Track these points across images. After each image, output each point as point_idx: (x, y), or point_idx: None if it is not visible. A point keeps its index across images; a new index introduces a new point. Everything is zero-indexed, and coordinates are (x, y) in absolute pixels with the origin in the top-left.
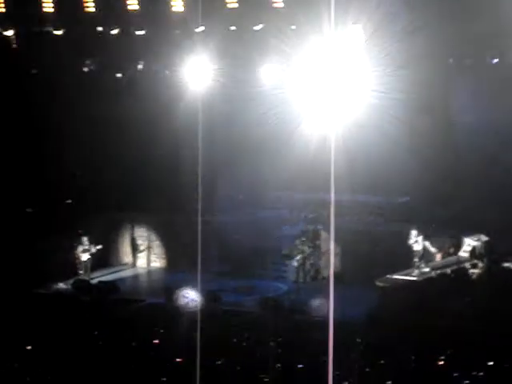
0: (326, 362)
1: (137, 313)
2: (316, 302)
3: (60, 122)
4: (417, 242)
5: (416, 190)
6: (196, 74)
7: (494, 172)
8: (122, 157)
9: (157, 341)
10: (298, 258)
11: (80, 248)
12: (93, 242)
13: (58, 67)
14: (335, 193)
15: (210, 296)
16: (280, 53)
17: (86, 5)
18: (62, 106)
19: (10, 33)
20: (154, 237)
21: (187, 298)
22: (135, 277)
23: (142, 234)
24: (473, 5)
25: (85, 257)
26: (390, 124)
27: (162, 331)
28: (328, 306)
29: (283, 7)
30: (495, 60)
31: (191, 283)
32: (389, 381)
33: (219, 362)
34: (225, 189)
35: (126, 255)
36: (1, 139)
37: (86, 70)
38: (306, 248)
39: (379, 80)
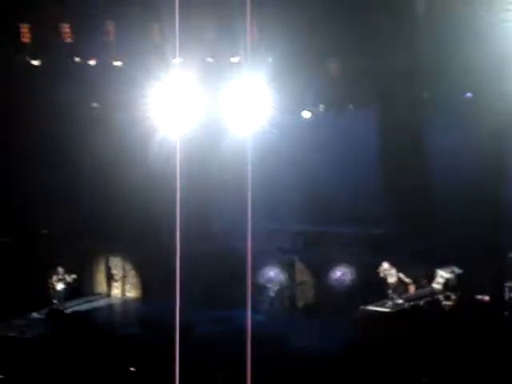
0: None
1: (110, 342)
2: (291, 333)
3: (34, 149)
4: (390, 273)
5: (391, 221)
6: (172, 105)
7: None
8: (96, 186)
9: (132, 369)
10: (273, 288)
11: (55, 277)
12: (67, 271)
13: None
14: (312, 224)
15: (183, 327)
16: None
17: (63, 35)
18: (37, 134)
19: None
20: (128, 266)
21: (160, 328)
22: (109, 306)
23: (117, 264)
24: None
25: (59, 286)
26: (365, 158)
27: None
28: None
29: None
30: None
31: (165, 313)
32: None
33: None
34: (200, 219)
35: (101, 285)
36: None
37: (62, 99)
38: (280, 279)
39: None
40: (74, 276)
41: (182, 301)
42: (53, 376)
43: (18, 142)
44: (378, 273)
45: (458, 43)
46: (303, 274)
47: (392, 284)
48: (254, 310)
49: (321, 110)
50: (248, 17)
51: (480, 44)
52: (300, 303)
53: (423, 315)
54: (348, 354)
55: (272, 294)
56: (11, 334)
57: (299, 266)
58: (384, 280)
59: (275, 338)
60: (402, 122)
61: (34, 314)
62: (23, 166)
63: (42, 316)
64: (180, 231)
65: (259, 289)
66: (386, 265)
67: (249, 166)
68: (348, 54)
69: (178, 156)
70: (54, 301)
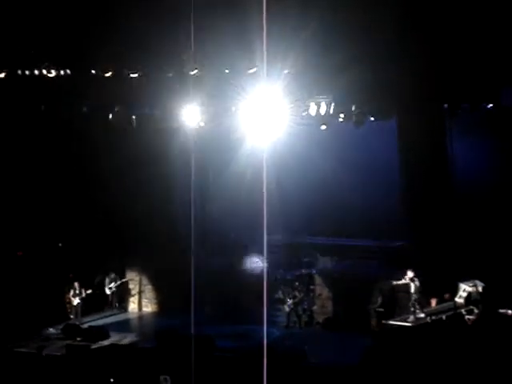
0: None
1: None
2: (307, 348)
3: (51, 161)
4: (415, 283)
5: (411, 234)
6: (188, 117)
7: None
8: (111, 199)
9: None
10: (290, 302)
11: (71, 292)
12: (83, 286)
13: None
14: (330, 236)
15: (202, 341)
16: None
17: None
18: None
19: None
20: (145, 281)
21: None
22: (126, 321)
23: (134, 278)
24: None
25: (76, 301)
26: (384, 169)
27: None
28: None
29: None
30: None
31: (183, 328)
32: None
33: None
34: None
35: (118, 300)
36: None
37: (78, 112)
38: (297, 293)
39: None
40: (89, 291)
41: (200, 315)
42: None
43: (33, 151)
44: (398, 286)
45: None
46: (321, 288)
47: (414, 295)
48: (271, 325)
49: (339, 120)
50: (265, 28)
51: None
52: (318, 317)
53: (445, 330)
54: (368, 369)
55: (287, 308)
56: (28, 351)
57: (317, 279)
58: (406, 290)
59: (293, 353)
60: (423, 132)
61: (51, 330)
62: (39, 178)
63: (59, 331)
64: (196, 245)
65: (276, 303)
66: (410, 273)
67: (264, 177)
68: (366, 63)
69: (193, 169)
70: (71, 316)
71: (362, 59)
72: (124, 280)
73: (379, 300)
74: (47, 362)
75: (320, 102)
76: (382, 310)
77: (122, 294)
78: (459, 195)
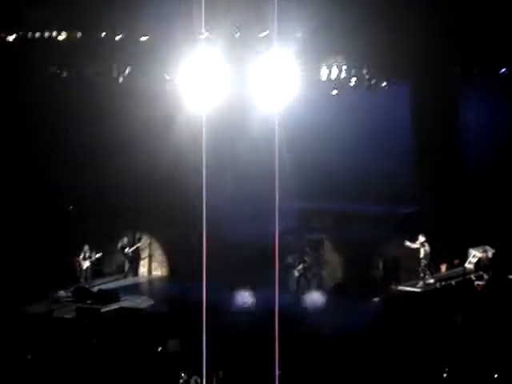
0: None
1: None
2: (316, 314)
3: (63, 124)
4: (425, 248)
5: (422, 200)
6: (199, 80)
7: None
8: (121, 160)
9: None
10: (300, 267)
11: (81, 255)
12: (93, 249)
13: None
14: (339, 203)
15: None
16: None
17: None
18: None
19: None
20: (155, 245)
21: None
22: (136, 285)
23: (144, 242)
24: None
25: (85, 264)
26: (396, 135)
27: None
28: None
29: None
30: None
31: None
32: None
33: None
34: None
35: (127, 263)
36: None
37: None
38: (307, 258)
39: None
40: (99, 254)
41: (211, 280)
42: (80, 355)
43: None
44: (408, 252)
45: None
46: (331, 253)
47: (424, 260)
48: (281, 290)
49: (351, 85)
50: None
51: None
52: (327, 282)
53: (454, 295)
54: (377, 335)
55: (297, 273)
56: (39, 313)
57: (327, 244)
58: (416, 256)
59: (301, 317)
60: (436, 96)
61: (61, 292)
62: (52, 141)
63: (69, 294)
64: (209, 212)
65: (287, 268)
66: (422, 237)
67: (276, 143)
68: (380, 26)
69: (204, 135)
70: (81, 279)
71: (375, 21)
72: (139, 245)
73: (380, 264)
74: (57, 324)
75: (332, 66)
76: (382, 274)
77: (134, 257)
78: (472, 160)
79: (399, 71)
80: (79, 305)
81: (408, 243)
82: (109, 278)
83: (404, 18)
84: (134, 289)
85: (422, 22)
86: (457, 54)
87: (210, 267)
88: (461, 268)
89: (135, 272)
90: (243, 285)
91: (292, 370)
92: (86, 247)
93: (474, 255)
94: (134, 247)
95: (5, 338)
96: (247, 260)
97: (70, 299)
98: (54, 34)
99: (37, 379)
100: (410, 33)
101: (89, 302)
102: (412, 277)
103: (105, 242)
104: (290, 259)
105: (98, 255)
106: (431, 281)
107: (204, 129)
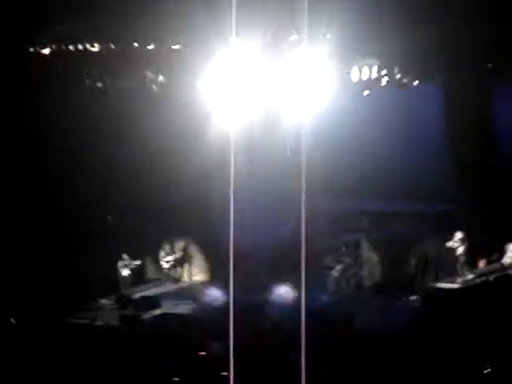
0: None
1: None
2: (357, 314)
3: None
4: (463, 245)
5: (458, 197)
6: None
7: None
8: (160, 170)
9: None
10: (338, 268)
11: (120, 263)
12: (132, 257)
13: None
14: (378, 201)
15: (252, 309)
16: None
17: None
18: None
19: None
20: (195, 250)
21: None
22: (177, 291)
23: (184, 248)
24: None
25: (125, 272)
26: (430, 132)
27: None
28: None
29: None
30: None
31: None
32: None
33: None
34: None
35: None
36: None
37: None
38: (346, 258)
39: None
40: (138, 262)
41: (249, 282)
42: (124, 362)
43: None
44: (446, 250)
45: None
46: (369, 253)
47: (462, 257)
48: (320, 291)
49: (383, 84)
50: None
51: None
52: (366, 282)
53: (493, 291)
54: (417, 334)
55: (336, 274)
56: (81, 322)
57: (365, 244)
58: (454, 253)
59: (341, 318)
60: (468, 93)
61: (103, 301)
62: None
63: (111, 302)
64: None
65: (325, 269)
66: (459, 234)
67: (303, 142)
68: (412, 25)
69: (234, 134)
70: (122, 287)
71: (406, 20)
72: (181, 253)
73: (419, 263)
74: (101, 332)
75: (363, 67)
76: (421, 272)
77: (175, 264)
78: (506, 156)
79: (431, 70)
80: (121, 312)
81: (450, 243)
82: (149, 285)
83: (436, 16)
84: (176, 295)
85: (454, 21)
86: (490, 53)
87: (243, 269)
88: (499, 263)
89: (176, 278)
90: (279, 285)
91: (334, 369)
92: (125, 255)
93: None
94: (175, 254)
95: (49, 348)
96: (278, 261)
97: (112, 307)
98: (88, 45)
99: None
100: (442, 31)
101: (131, 309)
102: (451, 273)
103: (145, 249)
104: (328, 260)
105: (137, 262)
106: (470, 277)
107: (234, 130)
